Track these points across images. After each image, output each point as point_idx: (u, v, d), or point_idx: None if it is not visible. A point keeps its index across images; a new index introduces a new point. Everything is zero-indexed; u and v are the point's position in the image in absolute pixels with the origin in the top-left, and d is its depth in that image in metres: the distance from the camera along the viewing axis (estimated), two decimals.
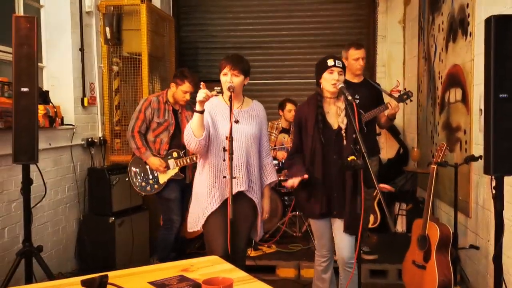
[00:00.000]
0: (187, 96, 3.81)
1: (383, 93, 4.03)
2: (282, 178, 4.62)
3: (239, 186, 2.76)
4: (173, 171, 3.79)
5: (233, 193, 2.55)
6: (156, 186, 3.80)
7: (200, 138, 2.62)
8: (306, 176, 2.72)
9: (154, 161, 3.75)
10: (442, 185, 4.15)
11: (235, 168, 2.72)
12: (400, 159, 5.59)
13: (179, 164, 3.79)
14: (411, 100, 3.88)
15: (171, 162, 3.79)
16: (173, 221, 3.82)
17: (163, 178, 3.79)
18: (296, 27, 5.93)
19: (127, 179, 3.91)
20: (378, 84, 4.07)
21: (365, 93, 3.83)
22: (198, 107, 2.57)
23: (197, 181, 2.87)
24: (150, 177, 3.81)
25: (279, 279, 3.92)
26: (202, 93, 2.54)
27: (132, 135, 3.79)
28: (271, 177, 2.96)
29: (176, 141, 3.82)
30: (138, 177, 3.83)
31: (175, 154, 3.81)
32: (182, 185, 3.87)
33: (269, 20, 5.96)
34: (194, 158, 3.68)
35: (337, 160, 2.75)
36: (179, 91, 3.78)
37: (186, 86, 3.75)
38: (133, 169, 3.85)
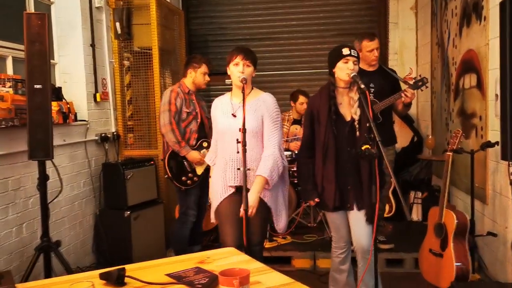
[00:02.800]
0: (207, 78, 3.85)
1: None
2: (295, 169, 4.61)
3: (234, 181, 2.75)
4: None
5: (234, 187, 2.72)
6: (195, 178, 3.82)
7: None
8: (317, 200, 2.80)
9: (194, 155, 3.75)
10: (457, 172, 4.10)
11: (235, 162, 2.74)
12: (414, 147, 5.53)
13: None
14: (426, 87, 3.81)
15: (203, 152, 3.76)
16: (189, 215, 3.84)
17: (200, 170, 3.81)
18: (306, 16, 5.88)
19: (141, 173, 3.93)
20: (394, 71, 4.01)
21: (381, 81, 3.77)
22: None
23: (212, 178, 2.95)
24: (189, 170, 3.81)
25: (294, 270, 3.93)
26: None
27: (172, 128, 3.69)
28: (259, 170, 2.70)
29: (203, 131, 3.85)
30: (177, 172, 3.80)
31: (205, 144, 3.79)
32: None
33: (279, 11, 5.92)
34: None
35: (351, 152, 2.71)
36: (199, 74, 3.81)
37: (204, 67, 3.82)
38: (172, 165, 3.81)
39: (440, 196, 3.19)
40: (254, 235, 2.83)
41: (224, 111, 2.82)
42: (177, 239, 3.89)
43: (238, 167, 2.67)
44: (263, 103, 2.81)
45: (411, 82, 3.74)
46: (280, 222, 2.89)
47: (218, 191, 2.84)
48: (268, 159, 2.73)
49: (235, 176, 2.75)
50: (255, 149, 2.77)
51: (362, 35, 3.88)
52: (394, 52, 5.78)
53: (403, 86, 3.80)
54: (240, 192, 2.74)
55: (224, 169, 2.80)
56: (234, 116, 2.73)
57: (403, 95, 3.61)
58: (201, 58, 3.87)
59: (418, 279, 3.39)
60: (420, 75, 3.91)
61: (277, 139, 2.78)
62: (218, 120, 2.84)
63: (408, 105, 3.75)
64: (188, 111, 3.79)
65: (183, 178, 3.81)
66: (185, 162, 3.80)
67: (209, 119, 3.68)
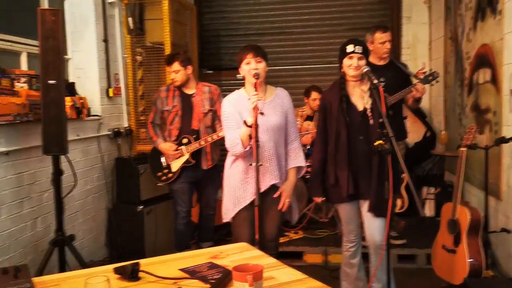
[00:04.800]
0: (172, 76, 3.75)
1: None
2: (307, 163, 4.60)
3: (271, 179, 2.77)
4: (183, 158, 3.71)
5: (267, 186, 2.73)
6: (170, 174, 3.77)
7: (247, 148, 2.70)
8: (320, 199, 2.93)
9: (164, 146, 3.73)
10: (471, 168, 4.06)
11: (266, 161, 2.74)
12: (427, 142, 5.48)
13: (189, 150, 3.68)
14: (437, 81, 3.78)
15: (182, 148, 3.71)
16: (178, 212, 3.79)
17: (175, 166, 3.75)
18: (318, 11, 5.83)
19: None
20: (405, 65, 3.98)
21: (391, 75, 3.74)
22: (250, 121, 2.58)
23: (229, 173, 2.90)
24: (164, 166, 3.79)
25: (306, 265, 3.93)
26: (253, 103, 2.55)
27: (147, 127, 3.89)
28: (293, 162, 2.87)
29: (187, 127, 3.73)
30: (154, 168, 3.85)
31: (185, 140, 3.70)
32: (195, 175, 3.76)
33: (291, 5, 5.88)
34: (203, 142, 3.64)
35: (363, 141, 2.73)
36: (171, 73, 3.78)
37: (173, 66, 3.71)
38: (150, 160, 3.91)
39: (454, 192, 3.16)
40: (271, 230, 2.86)
41: (248, 109, 2.69)
42: (174, 235, 3.88)
43: (260, 162, 2.58)
44: (283, 98, 2.88)
45: (422, 77, 3.71)
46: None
47: (241, 194, 2.81)
48: (299, 150, 2.91)
49: (271, 174, 2.77)
50: (283, 144, 2.85)
51: (374, 28, 3.85)
52: (407, 46, 5.72)
53: (414, 81, 3.77)
54: (269, 188, 2.79)
55: (249, 166, 2.73)
56: (262, 114, 2.68)
57: (413, 89, 3.58)
58: (173, 56, 3.74)
59: (431, 275, 3.37)
60: (431, 70, 3.87)
61: (297, 130, 2.98)
62: (243, 118, 2.74)
63: (418, 100, 3.72)
64: (167, 109, 3.76)
65: (158, 173, 3.81)
66: (161, 158, 3.80)
67: (206, 113, 3.71)
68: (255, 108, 2.55)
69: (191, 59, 3.84)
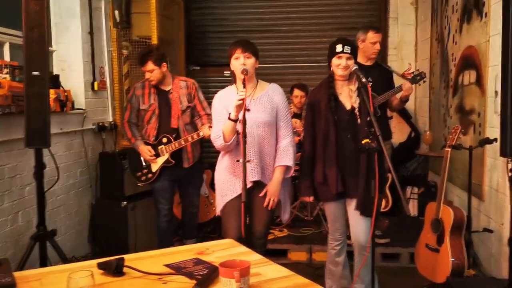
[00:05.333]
0: (147, 76, 3.62)
1: (395, 75, 3.98)
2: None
3: (252, 175, 2.75)
4: (163, 158, 3.61)
5: (248, 181, 2.66)
6: (150, 175, 3.68)
7: (229, 143, 2.69)
8: (311, 198, 2.89)
9: (142, 150, 3.62)
10: (454, 168, 4.11)
11: (250, 156, 2.72)
12: (411, 142, 5.53)
13: (168, 150, 3.59)
14: (424, 81, 3.82)
15: (161, 148, 3.61)
16: (159, 210, 3.72)
17: (155, 167, 3.65)
18: (306, 9, 5.84)
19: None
20: (390, 67, 4.02)
21: (377, 76, 3.78)
22: (233, 115, 2.58)
23: (218, 168, 2.92)
24: (144, 166, 3.70)
25: (291, 263, 3.93)
26: (239, 97, 2.53)
27: (123, 126, 3.73)
28: (280, 160, 2.82)
29: (165, 126, 3.62)
30: (134, 167, 3.76)
31: (164, 140, 3.59)
32: (176, 173, 3.68)
33: (279, 3, 5.87)
34: (183, 142, 3.54)
35: (351, 140, 2.74)
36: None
37: (146, 66, 3.57)
38: (129, 159, 3.82)
39: (438, 192, 3.19)
40: (259, 228, 2.85)
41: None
42: (157, 233, 3.82)
43: (247, 159, 2.58)
44: (274, 95, 2.85)
45: (409, 77, 3.74)
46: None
47: (228, 187, 2.83)
48: (288, 148, 2.84)
49: (252, 171, 2.74)
50: (271, 142, 2.81)
51: (367, 26, 3.88)
52: (394, 47, 5.76)
53: (399, 81, 3.80)
54: (255, 186, 2.78)
55: (236, 164, 2.75)
56: (248, 110, 2.65)
57: (403, 88, 3.62)
58: (145, 56, 3.57)
59: (414, 273, 3.40)
60: (418, 70, 3.91)
61: (291, 128, 2.92)
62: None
63: (404, 101, 3.76)
64: (144, 108, 3.64)
65: (138, 173, 3.73)
66: (141, 158, 3.69)
67: (184, 110, 3.63)
68: (240, 105, 2.53)
69: (164, 55, 3.66)
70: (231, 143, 2.70)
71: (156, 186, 3.72)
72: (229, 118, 2.62)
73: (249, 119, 2.65)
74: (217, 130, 2.75)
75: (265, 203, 2.79)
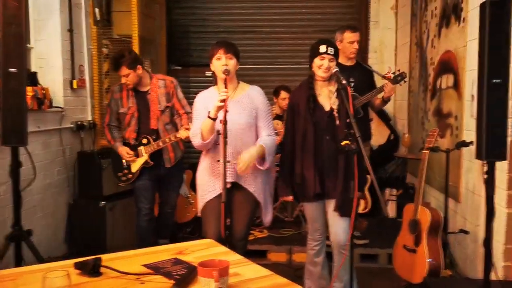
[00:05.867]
0: (123, 80, 3.58)
1: (376, 76, 4.01)
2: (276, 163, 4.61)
3: (229, 176, 2.71)
4: (142, 159, 3.62)
5: (229, 182, 2.66)
6: (130, 175, 3.69)
7: (207, 141, 2.68)
8: (291, 198, 2.90)
9: (121, 151, 3.63)
10: (432, 170, 4.18)
11: (228, 156, 2.68)
12: (390, 145, 5.61)
13: (147, 151, 3.59)
14: (405, 81, 3.86)
15: (140, 149, 3.62)
16: (140, 209, 3.71)
17: (134, 167, 3.66)
18: (288, 11, 5.87)
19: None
20: (371, 67, 4.06)
21: (359, 76, 3.81)
22: (212, 113, 2.58)
23: (199, 169, 2.92)
24: (124, 166, 3.70)
25: (270, 263, 3.93)
26: (221, 97, 2.52)
27: (105, 129, 3.73)
28: (261, 140, 2.77)
29: (145, 127, 3.61)
30: (116, 167, 3.76)
31: (144, 141, 3.59)
32: (157, 173, 3.69)
33: (261, 4, 5.89)
34: (161, 143, 3.54)
35: (330, 141, 2.76)
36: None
37: (121, 70, 3.53)
38: (112, 159, 3.81)
39: (416, 193, 3.24)
40: (239, 229, 2.84)
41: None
42: (137, 233, 3.81)
43: (227, 159, 2.57)
44: (254, 96, 2.83)
45: (390, 78, 3.78)
46: (268, 215, 2.95)
47: (208, 187, 2.82)
48: (269, 138, 2.81)
49: (229, 172, 2.71)
50: (249, 143, 2.77)
51: (344, 27, 3.87)
52: (374, 50, 5.83)
53: (381, 81, 3.84)
54: (235, 187, 2.78)
55: (216, 164, 2.76)
56: (227, 111, 2.61)
57: (385, 89, 3.65)
58: (118, 60, 3.51)
59: (392, 274, 3.44)
60: (399, 70, 3.94)
61: (273, 128, 2.90)
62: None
63: (387, 101, 3.80)
64: (123, 111, 3.63)
65: (119, 173, 3.73)
66: (122, 159, 3.70)
67: (163, 110, 3.60)
68: (221, 106, 2.53)
69: (138, 57, 3.61)
70: (209, 142, 2.68)
71: (137, 185, 3.72)
72: (208, 116, 2.62)
73: (228, 120, 2.61)
74: (196, 128, 2.74)
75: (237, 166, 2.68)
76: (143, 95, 3.62)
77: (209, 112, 2.64)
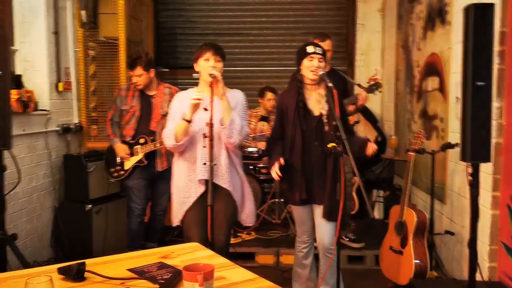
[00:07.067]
0: (134, 80, 3.71)
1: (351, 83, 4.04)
2: (261, 165, 4.62)
3: (201, 174, 2.65)
4: (136, 157, 3.73)
5: (199, 180, 2.64)
6: (122, 172, 3.79)
7: (179, 143, 2.63)
8: (282, 160, 2.75)
9: (118, 147, 3.76)
10: (418, 172, 4.21)
11: (201, 160, 2.66)
12: (378, 147, 5.62)
13: (143, 150, 3.71)
14: (380, 91, 3.89)
15: (136, 148, 3.74)
16: (132, 209, 3.79)
17: (127, 165, 3.77)
18: (276, 13, 5.89)
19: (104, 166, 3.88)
20: (344, 74, 4.08)
21: (334, 83, 3.78)
22: (187, 116, 2.55)
23: (174, 173, 2.83)
24: (117, 162, 3.80)
25: (258, 266, 3.93)
26: (195, 97, 2.51)
27: (105, 123, 3.90)
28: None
29: (144, 127, 3.74)
30: (109, 163, 3.86)
31: (141, 140, 3.73)
32: (151, 174, 3.78)
33: (249, 7, 5.90)
34: (158, 144, 3.65)
35: (318, 146, 2.76)
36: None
37: (135, 70, 3.69)
38: (107, 154, 3.90)
39: (402, 195, 3.26)
40: (219, 237, 2.70)
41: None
42: (128, 235, 3.84)
43: (205, 161, 2.59)
44: (235, 95, 2.79)
45: (366, 86, 3.81)
46: (248, 216, 2.85)
47: (186, 193, 2.73)
48: (240, 119, 2.67)
49: (202, 170, 2.67)
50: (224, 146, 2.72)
51: (314, 34, 3.72)
52: (361, 53, 5.86)
53: (356, 89, 3.87)
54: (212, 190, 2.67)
55: (193, 164, 2.70)
56: (206, 109, 2.62)
57: (359, 98, 3.69)
58: (135, 61, 3.67)
59: (379, 275, 3.47)
60: (376, 79, 3.92)
61: (247, 122, 2.78)
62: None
63: (360, 108, 3.84)
64: (125, 108, 3.78)
65: (111, 169, 3.84)
66: (115, 156, 3.81)
67: (164, 115, 3.58)
68: (196, 105, 2.53)
69: (153, 61, 3.79)
70: (182, 144, 2.63)
71: (130, 185, 3.78)
72: (183, 119, 2.59)
73: (204, 119, 2.58)
74: (169, 129, 2.68)
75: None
76: (148, 98, 3.77)
77: (184, 114, 2.60)
